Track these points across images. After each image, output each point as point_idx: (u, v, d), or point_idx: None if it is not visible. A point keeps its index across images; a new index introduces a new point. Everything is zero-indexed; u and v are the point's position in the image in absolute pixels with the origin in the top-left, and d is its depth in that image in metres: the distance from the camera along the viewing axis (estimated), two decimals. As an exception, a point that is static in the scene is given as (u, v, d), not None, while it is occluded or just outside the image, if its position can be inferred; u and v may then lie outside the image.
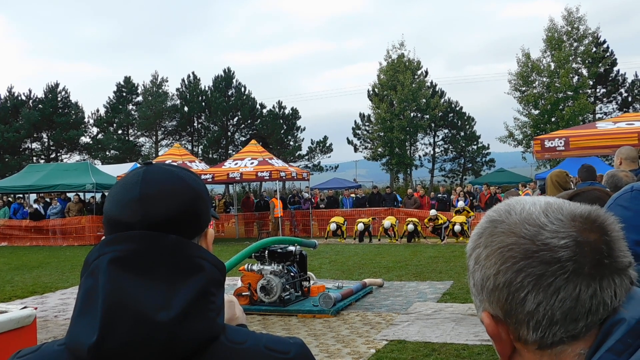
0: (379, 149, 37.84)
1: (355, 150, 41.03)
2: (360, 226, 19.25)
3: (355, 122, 41.27)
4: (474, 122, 40.78)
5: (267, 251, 9.09)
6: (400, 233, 18.99)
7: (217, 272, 0.92)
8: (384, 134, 36.79)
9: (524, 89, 33.41)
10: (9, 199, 24.70)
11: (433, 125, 39.52)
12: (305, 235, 21.87)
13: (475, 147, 40.62)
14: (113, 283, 0.85)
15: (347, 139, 41.24)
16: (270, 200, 22.10)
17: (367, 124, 40.44)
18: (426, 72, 38.73)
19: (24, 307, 5.33)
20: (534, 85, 33.33)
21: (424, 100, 36.75)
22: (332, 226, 19.70)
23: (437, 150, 41.27)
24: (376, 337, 7.15)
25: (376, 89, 37.90)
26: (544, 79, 32.95)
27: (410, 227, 18.43)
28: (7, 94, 46.09)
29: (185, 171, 1.01)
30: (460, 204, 19.26)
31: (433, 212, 18.80)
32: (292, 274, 9.28)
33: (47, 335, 7.45)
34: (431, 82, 39.52)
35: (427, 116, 37.27)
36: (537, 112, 33.25)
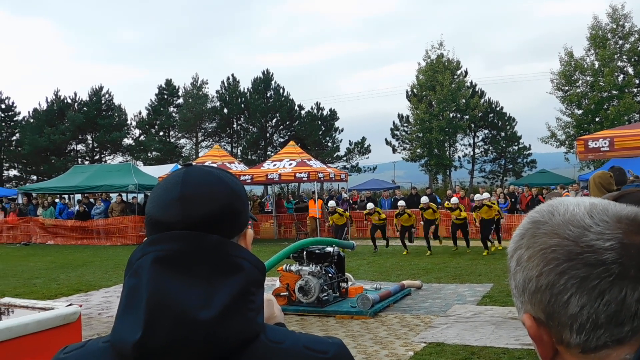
0: (418, 150, 37.55)
1: (394, 151, 40.82)
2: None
3: (393, 122, 41.07)
4: (514, 122, 40.11)
5: (305, 252, 9.13)
6: (441, 235, 18.78)
7: (256, 272, 0.94)
8: (422, 135, 36.49)
9: (566, 88, 32.68)
10: (56, 199, 25.40)
11: (473, 125, 39.02)
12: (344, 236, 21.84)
13: (516, 147, 39.93)
14: (156, 282, 0.87)
15: (386, 139, 41.07)
16: (309, 200, 22.13)
17: (405, 124, 40.18)
18: (466, 72, 38.31)
19: (69, 305, 5.48)
20: (577, 84, 32.57)
21: (464, 100, 36.32)
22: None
23: (477, 151, 40.73)
24: (414, 340, 7.11)
25: (415, 90, 37.63)
26: (588, 78, 32.17)
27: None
28: (54, 97, 47.42)
29: (224, 172, 1.03)
30: (454, 200, 16.49)
31: (425, 199, 17.55)
32: (330, 274, 9.29)
33: (91, 332, 7.63)
34: (471, 82, 39.06)
35: (467, 117, 36.82)
36: (580, 111, 32.48)
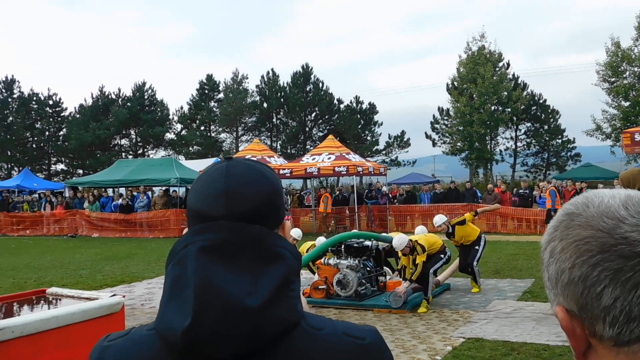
0: (458, 144, 37.07)
1: (434, 144, 40.40)
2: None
3: (433, 116, 40.64)
4: (558, 115, 39.21)
5: (343, 246, 9.16)
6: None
7: (296, 262, 0.97)
8: (463, 128, 36.00)
9: (613, 79, 31.76)
10: (101, 192, 26.03)
11: (515, 118, 38.28)
12: (382, 230, 21.82)
13: (559, 141, 39.03)
14: (202, 270, 0.89)
15: (425, 133, 40.68)
16: (323, 194, 22.10)
17: (445, 118, 39.72)
18: (507, 64, 37.58)
19: (113, 295, 5.64)
20: (625, 75, 31.62)
21: (505, 93, 35.65)
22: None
23: (519, 144, 39.96)
24: (453, 335, 7.06)
25: (455, 82, 37.15)
26: (636, 69, 31.20)
27: None
28: (99, 93, 48.56)
29: (263, 165, 1.06)
30: (438, 220, 10.21)
31: (441, 218, 10.31)
32: (368, 268, 9.30)
33: (134, 322, 7.81)
34: (513, 75, 38.31)
35: (509, 109, 36.13)
36: (627, 103, 31.52)
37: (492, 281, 10.68)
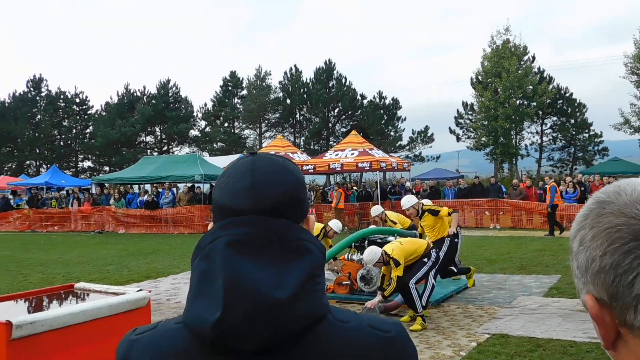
0: (483, 138, 36.75)
1: (458, 139, 40.14)
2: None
3: (457, 111, 40.36)
4: (585, 108, 38.63)
5: (367, 241, 9.15)
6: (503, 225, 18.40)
7: (321, 256, 0.98)
8: (487, 123, 35.66)
9: (642, 72, 31.20)
10: (128, 189, 26.36)
11: (540, 112, 37.82)
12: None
13: (586, 135, 38.48)
14: (230, 264, 0.90)
15: (450, 128, 40.42)
16: (337, 190, 22.10)
17: (470, 112, 39.41)
18: (533, 58, 37.12)
19: (139, 290, 5.72)
20: (654, 68, 31.03)
21: (531, 87, 35.22)
22: None
23: (544, 138, 39.50)
24: (478, 330, 7.02)
25: (480, 77, 36.82)
26: (665, 61, 30.61)
27: None
28: (124, 90, 49.14)
29: (287, 160, 1.07)
30: (406, 202, 9.27)
31: (409, 200, 9.28)
32: (392, 264, 9.26)
33: (160, 317, 7.90)
34: (538, 68, 37.85)
35: (534, 103, 35.69)
36: (657, 96, 30.96)
37: (518, 277, 10.58)
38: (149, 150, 48.02)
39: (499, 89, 35.09)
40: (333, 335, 0.93)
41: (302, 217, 1.03)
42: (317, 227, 9.70)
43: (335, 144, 33.51)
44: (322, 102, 44.36)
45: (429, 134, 44.47)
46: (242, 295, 0.88)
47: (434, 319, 7.68)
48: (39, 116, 49.87)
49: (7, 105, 49.50)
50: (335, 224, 9.88)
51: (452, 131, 40.25)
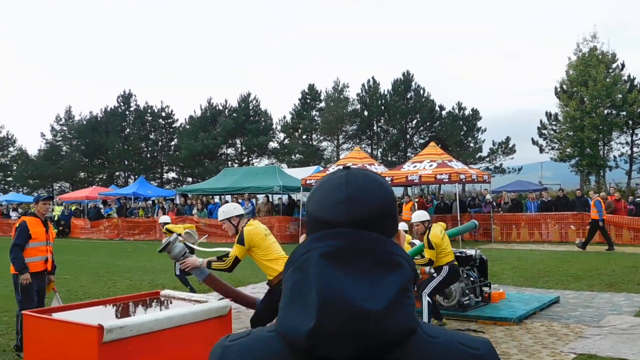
0: (568, 150, 35.33)
1: (541, 151, 38.77)
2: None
3: (540, 121, 39.02)
4: (681, 117, 36.43)
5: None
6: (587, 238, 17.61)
7: (411, 270, 0.98)
8: (573, 134, 34.29)
9: None
10: (209, 200, 27.16)
11: (631, 122, 35.98)
12: (486, 239, 21.20)
13: (682, 145, 36.25)
14: (325, 275, 0.92)
15: (532, 139, 39.13)
16: (406, 203, 21.51)
17: (554, 122, 38.03)
18: (622, 65, 35.40)
19: (221, 299, 5.88)
20: None
21: (620, 95, 33.58)
22: None
23: (635, 149, 37.51)
24: (563, 350, 6.74)
25: (564, 86, 35.50)
26: None
27: None
28: (207, 104, 50.82)
29: (379, 175, 1.09)
30: (416, 217, 8.40)
31: (420, 215, 8.39)
32: (471, 278, 9.08)
33: (240, 325, 8.08)
34: (628, 76, 36.03)
35: (624, 113, 34.00)
36: None
37: (606, 295, 10.09)
38: (229, 162, 49.30)
39: (585, 98, 33.69)
40: (423, 350, 0.93)
41: (394, 231, 1.04)
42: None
43: (413, 155, 33.20)
44: (400, 114, 44.13)
45: (510, 145, 43.31)
46: (336, 306, 0.89)
47: (517, 337, 7.44)
48: (127, 129, 52.40)
49: (99, 119, 52.35)
50: (402, 226, 9.62)
51: (534, 142, 38.96)
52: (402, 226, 9.68)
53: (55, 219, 28.57)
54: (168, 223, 12.60)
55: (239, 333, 1.04)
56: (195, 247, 10.10)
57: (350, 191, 1.01)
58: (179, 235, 10.09)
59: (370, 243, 0.96)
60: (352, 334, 0.89)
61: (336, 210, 1.00)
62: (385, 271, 0.94)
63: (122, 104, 53.03)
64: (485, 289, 9.30)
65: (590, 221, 17.83)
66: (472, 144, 44.15)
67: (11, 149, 54.42)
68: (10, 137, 54.14)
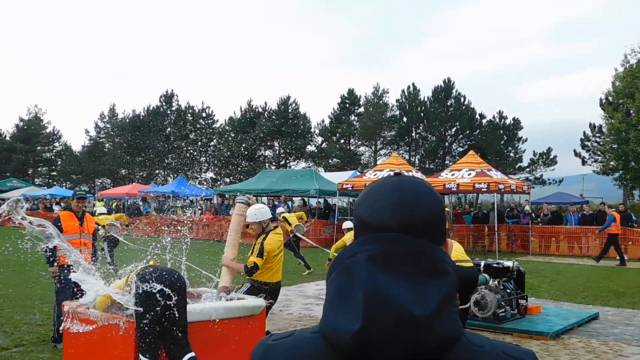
0: (611, 162, 34.51)
1: (583, 163, 37.99)
2: None
3: (584, 132, 38.27)
4: None
5: (483, 265, 8.89)
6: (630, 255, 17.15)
7: (457, 278, 0.99)
8: (617, 146, 33.47)
9: None
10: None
11: (679, 136, 34.91)
12: (523, 251, 20.85)
13: None
14: (371, 278, 0.93)
15: (574, 151, 38.38)
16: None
17: (598, 135, 37.22)
18: (672, 77, 34.43)
19: (256, 298, 5.94)
20: None
21: (669, 108, 32.64)
22: None
23: (683, 164, 36.36)
24: (601, 367, 6.58)
25: (610, 97, 34.70)
26: None
27: None
28: (247, 106, 51.33)
29: (429, 183, 1.09)
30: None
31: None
32: (508, 290, 8.94)
33: (273, 326, 8.12)
34: (678, 89, 35.01)
35: (673, 126, 33.03)
36: None
37: (648, 313, 9.81)
38: (267, 164, 49.66)
39: (631, 111, 32.85)
40: (467, 358, 0.93)
41: (443, 239, 1.05)
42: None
43: (451, 163, 32.89)
44: (439, 121, 43.80)
45: (551, 156, 42.54)
46: (382, 309, 0.90)
47: (553, 352, 7.30)
48: (169, 129, 53.30)
49: (142, 118, 53.39)
50: None
51: (577, 154, 38.19)
52: None
53: (97, 214, 29.16)
54: (104, 214, 13.83)
55: (282, 333, 1.05)
56: (119, 237, 10.73)
57: (404, 196, 1.01)
58: (102, 227, 11.47)
59: (418, 249, 0.96)
60: (397, 337, 0.89)
61: (387, 214, 1.00)
62: (432, 277, 0.94)
63: (164, 103, 53.99)
64: (522, 301, 9.14)
65: (609, 235, 17.77)
66: (512, 154, 43.53)
67: (56, 144, 56.06)
68: (56, 132, 55.74)
